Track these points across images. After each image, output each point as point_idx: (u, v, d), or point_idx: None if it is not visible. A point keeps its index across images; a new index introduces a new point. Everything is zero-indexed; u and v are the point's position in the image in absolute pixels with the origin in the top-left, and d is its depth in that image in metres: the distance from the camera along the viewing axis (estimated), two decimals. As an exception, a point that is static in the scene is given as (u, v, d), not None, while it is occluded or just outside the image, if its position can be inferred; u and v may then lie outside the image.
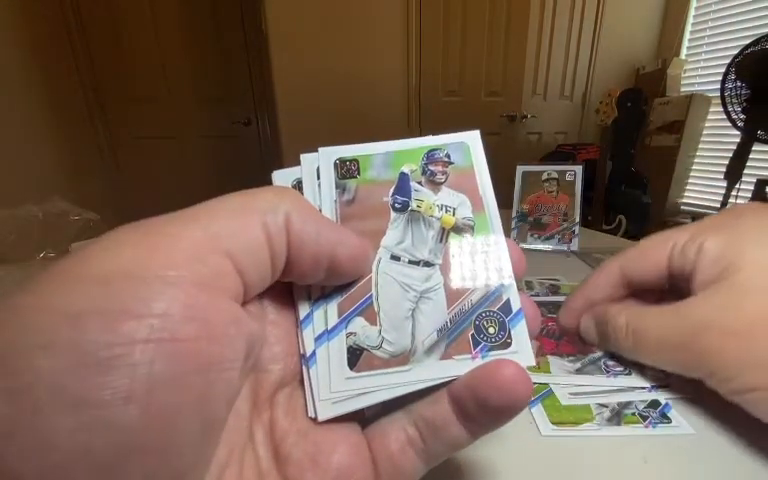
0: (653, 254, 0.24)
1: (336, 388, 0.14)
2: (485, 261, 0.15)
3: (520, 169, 0.59)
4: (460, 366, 0.14)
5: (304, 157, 0.16)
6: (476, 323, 0.15)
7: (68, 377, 0.09)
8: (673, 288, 0.24)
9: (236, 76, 2.13)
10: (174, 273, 0.10)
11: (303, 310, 0.15)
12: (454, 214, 0.16)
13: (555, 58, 2.13)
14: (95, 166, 2.06)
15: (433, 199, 0.16)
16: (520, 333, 0.14)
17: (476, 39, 1.99)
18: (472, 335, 0.14)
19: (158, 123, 2.13)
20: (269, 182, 0.16)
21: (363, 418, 0.15)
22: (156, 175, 2.17)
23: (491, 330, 0.14)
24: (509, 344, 0.14)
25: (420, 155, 0.17)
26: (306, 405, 0.14)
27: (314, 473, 0.13)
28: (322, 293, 0.15)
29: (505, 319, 0.15)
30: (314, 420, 0.14)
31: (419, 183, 0.16)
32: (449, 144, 0.17)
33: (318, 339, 0.14)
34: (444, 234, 0.16)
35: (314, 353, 0.14)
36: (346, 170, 0.16)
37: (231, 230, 0.12)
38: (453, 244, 0.16)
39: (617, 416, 0.23)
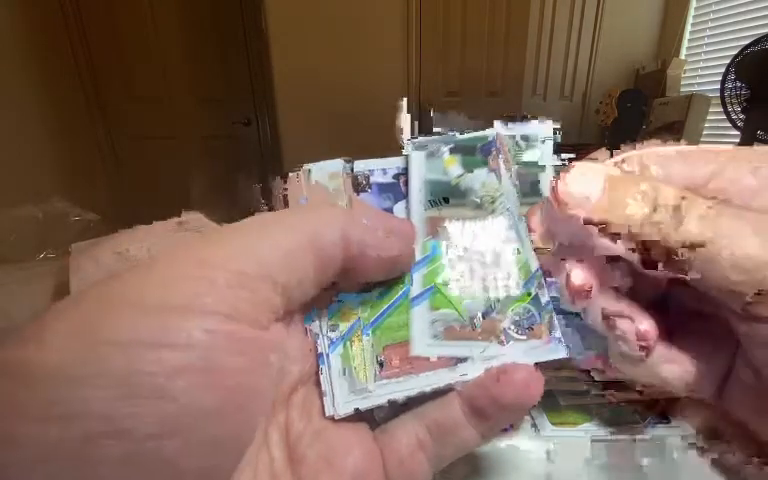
0: (694, 157, 0.15)
1: (363, 386, 0.14)
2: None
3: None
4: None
5: (409, 142, 0.17)
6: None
7: (117, 407, 0.09)
8: None
9: (236, 76, 2.13)
10: (221, 308, 0.10)
11: (320, 308, 0.15)
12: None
13: (555, 58, 2.13)
14: (95, 166, 2.05)
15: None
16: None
17: (476, 39, 1.99)
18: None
19: (158, 123, 2.12)
20: (271, 181, 0.16)
21: (372, 421, 0.15)
22: (156, 175, 2.16)
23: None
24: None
25: None
26: (324, 405, 0.14)
27: (329, 475, 0.13)
28: (338, 292, 0.15)
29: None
30: (331, 419, 0.14)
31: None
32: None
33: (338, 338, 0.15)
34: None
35: (333, 350, 0.14)
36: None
37: (282, 259, 0.12)
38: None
39: (617, 416, 0.23)
